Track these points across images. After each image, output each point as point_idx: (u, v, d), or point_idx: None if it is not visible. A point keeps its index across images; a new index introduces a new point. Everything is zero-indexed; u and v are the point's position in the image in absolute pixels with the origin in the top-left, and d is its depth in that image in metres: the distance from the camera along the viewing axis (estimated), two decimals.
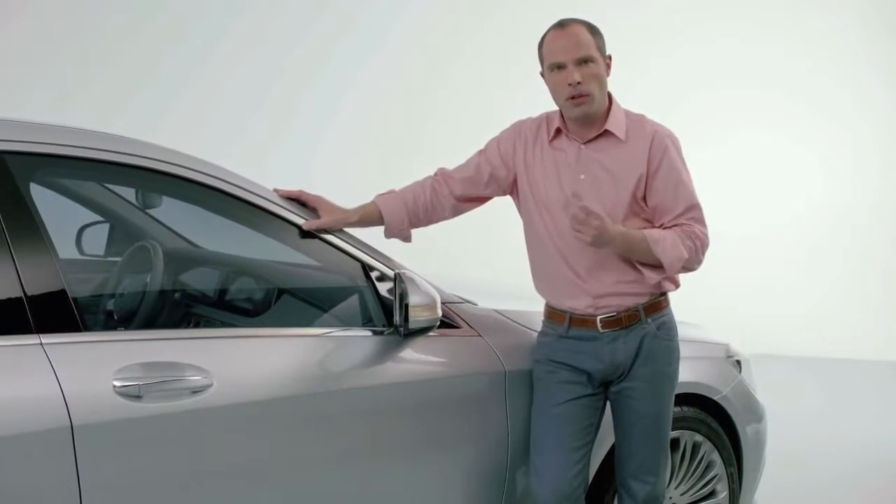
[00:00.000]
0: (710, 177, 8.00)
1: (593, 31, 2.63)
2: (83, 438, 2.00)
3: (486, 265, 6.85)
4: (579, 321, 2.67)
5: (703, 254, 2.67)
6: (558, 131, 2.69)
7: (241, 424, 2.24)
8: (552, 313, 2.74)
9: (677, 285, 2.74)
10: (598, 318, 2.65)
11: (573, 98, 2.58)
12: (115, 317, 2.65)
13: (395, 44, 8.12)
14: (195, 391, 2.16)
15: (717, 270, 7.63)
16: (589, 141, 2.66)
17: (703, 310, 5.28)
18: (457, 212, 2.80)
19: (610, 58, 2.65)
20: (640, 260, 2.62)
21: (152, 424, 2.10)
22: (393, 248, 2.72)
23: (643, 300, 2.67)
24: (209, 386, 2.18)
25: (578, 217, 2.49)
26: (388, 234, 2.75)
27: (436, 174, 2.80)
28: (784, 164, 8.18)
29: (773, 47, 8.08)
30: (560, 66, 2.59)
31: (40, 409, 1.97)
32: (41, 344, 2.02)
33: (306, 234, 2.55)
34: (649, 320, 2.67)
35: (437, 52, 8.18)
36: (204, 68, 7.85)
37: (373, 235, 2.71)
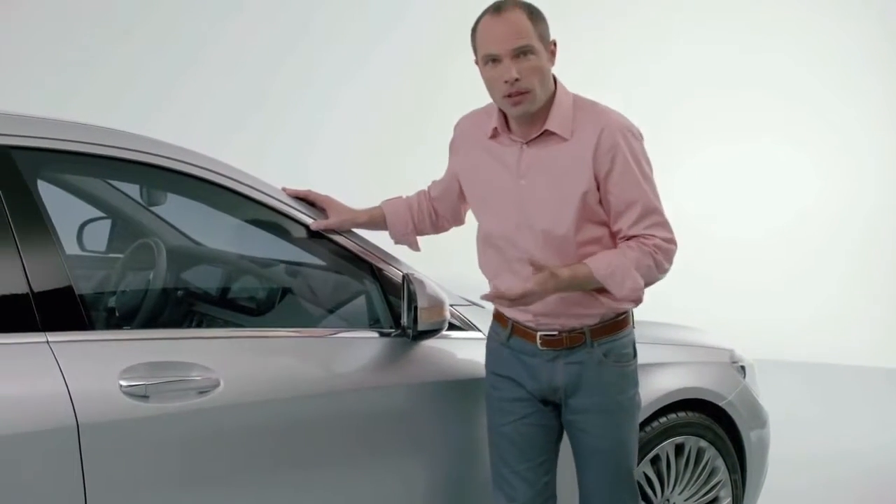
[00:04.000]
0: (707, 180, 8.02)
1: (534, 15, 2.27)
2: (89, 438, 1.98)
3: None
4: (521, 331, 2.44)
5: (669, 262, 2.36)
6: (497, 130, 2.40)
7: (247, 425, 2.23)
8: (498, 314, 2.52)
9: (638, 302, 2.40)
10: (539, 333, 2.41)
11: (510, 96, 2.26)
12: (119, 315, 2.62)
13: (392, 41, 8.09)
14: (202, 391, 2.15)
15: (716, 275, 7.58)
16: (531, 140, 2.35)
17: (700, 314, 5.28)
18: (458, 220, 2.67)
19: (554, 44, 2.31)
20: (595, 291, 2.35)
21: (159, 424, 2.08)
22: (400, 251, 2.70)
23: (591, 321, 2.40)
24: (216, 386, 2.16)
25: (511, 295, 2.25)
26: (395, 240, 2.69)
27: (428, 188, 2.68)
28: (781, 168, 8.17)
29: (770, 51, 8.07)
30: (495, 59, 2.26)
31: (46, 407, 1.95)
32: (48, 342, 1.99)
33: (314, 233, 2.53)
34: (595, 345, 2.40)
35: (435, 49, 8.16)
36: (199, 65, 7.82)
37: (382, 239, 2.68)
